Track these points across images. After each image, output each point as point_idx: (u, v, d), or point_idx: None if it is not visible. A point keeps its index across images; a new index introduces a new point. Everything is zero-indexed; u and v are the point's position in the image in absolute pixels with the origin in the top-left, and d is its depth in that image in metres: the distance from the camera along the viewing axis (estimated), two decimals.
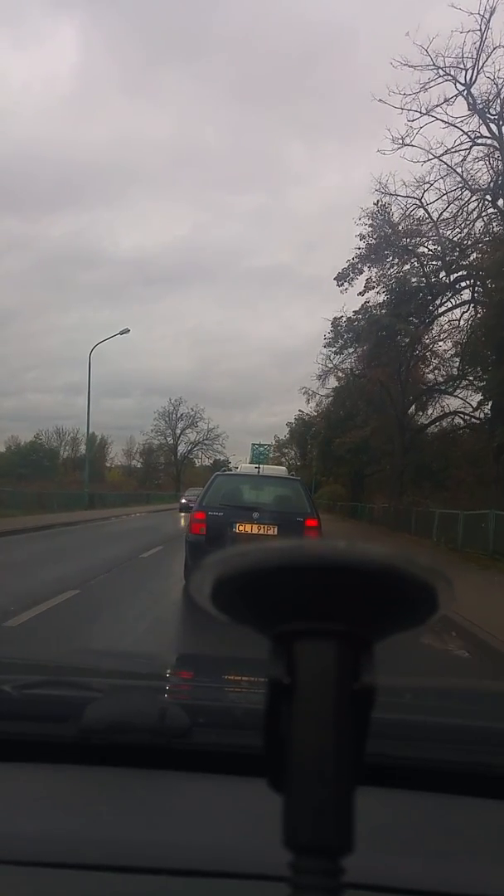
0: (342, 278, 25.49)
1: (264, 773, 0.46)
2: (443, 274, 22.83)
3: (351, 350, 28.11)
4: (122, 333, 33.49)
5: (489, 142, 22.05)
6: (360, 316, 25.20)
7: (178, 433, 75.15)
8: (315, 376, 40.87)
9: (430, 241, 23.25)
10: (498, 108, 21.01)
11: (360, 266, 24.94)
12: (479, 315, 22.29)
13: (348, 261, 24.91)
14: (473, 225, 23.16)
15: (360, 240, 24.16)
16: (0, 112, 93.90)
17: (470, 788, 0.98)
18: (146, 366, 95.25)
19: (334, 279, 25.41)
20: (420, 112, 21.47)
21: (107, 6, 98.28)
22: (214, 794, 0.97)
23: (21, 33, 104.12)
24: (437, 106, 21.31)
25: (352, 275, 25.39)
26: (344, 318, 26.97)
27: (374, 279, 24.67)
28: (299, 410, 48.55)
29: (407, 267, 23.89)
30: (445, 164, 22.36)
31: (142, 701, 1.09)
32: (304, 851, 0.42)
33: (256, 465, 12.34)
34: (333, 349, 28.31)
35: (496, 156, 21.74)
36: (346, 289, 25.42)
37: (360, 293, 25.22)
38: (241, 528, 8.50)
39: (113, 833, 0.87)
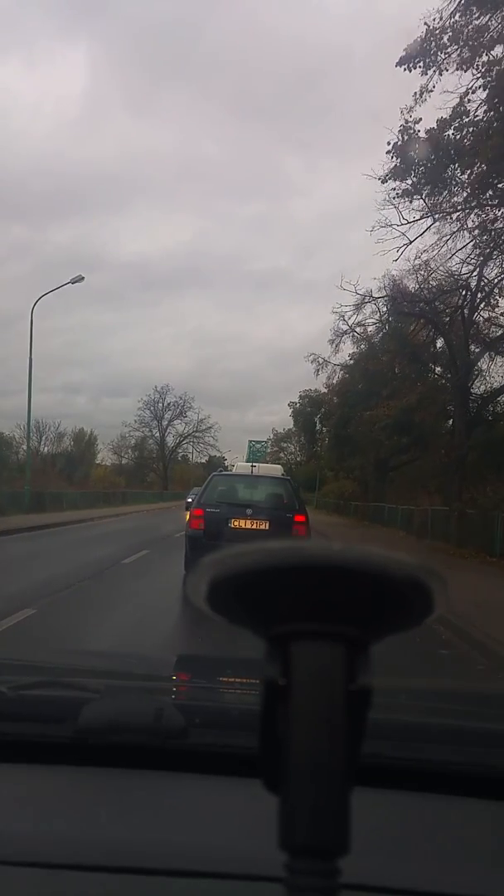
0: (412, 60, 13.89)
1: (260, 774, 0.46)
2: None
3: (426, 192, 16.01)
4: (73, 282, 27.99)
5: None
6: (456, 123, 13.82)
7: (164, 425, 66.75)
8: (327, 340, 32.04)
9: None
10: None
11: (449, 34, 13.11)
12: None
13: (417, 38, 13.65)
14: None
15: None
16: (13, 131, 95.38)
17: (466, 789, 0.98)
18: (146, 366, 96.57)
19: (397, 64, 14.13)
20: None
21: (112, 30, 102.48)
22: (210, 795, 0.97)
23: (33, 57, 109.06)
24: None
25: (431, 52, 13.46)
26: (419, 134, 14.82)
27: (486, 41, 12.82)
28: (299, 396, 39.25)
29: None
30: None
31: (138, 701, 1.10)
32: (299, 852, 0.42)
33: (252, 464, 12.91)
34: (397, 190, 16.27)
35: None
36: (428, 81, 13.98)
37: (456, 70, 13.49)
38: (236, 523, 9.13)
39: (109, 833, 0.87)
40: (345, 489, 45.26)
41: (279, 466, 14.70)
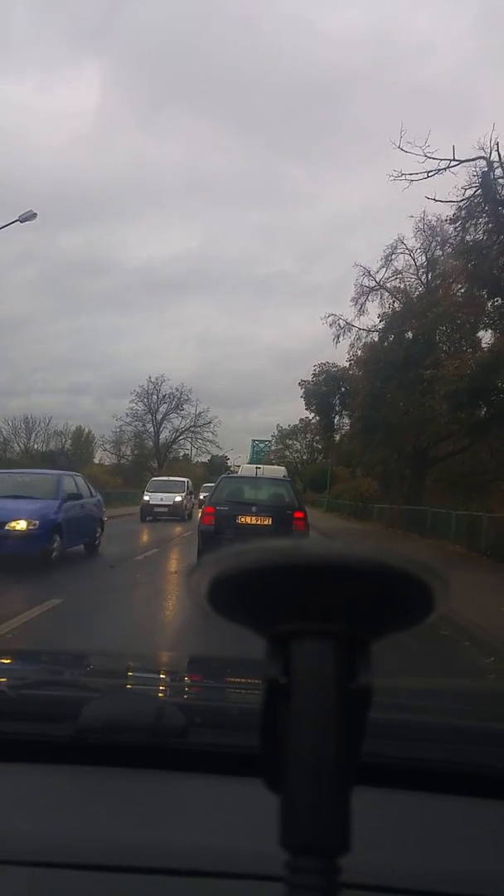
0: None
1: (261, 772, 0.46)
2: None
3: None
4: (23, 220, 22.38)
5: None
6: None
7: (159, 418, 60.13)
8: (350, 299, 25.57)
9: None
10: None
11: None
12: None
13: None
14: None
15: None
16: (29, 145, 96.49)
17: (467, 789, 0.97)
18: (152, 368, 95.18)
19: None
20: None
21: (122, 50, 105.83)
22: (211, 795, 0.97)
23: (48, 77, 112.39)
24: None
25: None
26: None
27: None
28: (313, 372, 28.94)
29: None
30: None
31: (139, 701, 1.10)
32: (300, 851, 0.42)
33: (257, 466, 14.47)
34: None
35: None
36: None
37: None
38: (243, 519, 10.36)
39: (110, 833, 0.87)
40: (362, 489, 38.73)
41: (282, 468, 15.63)
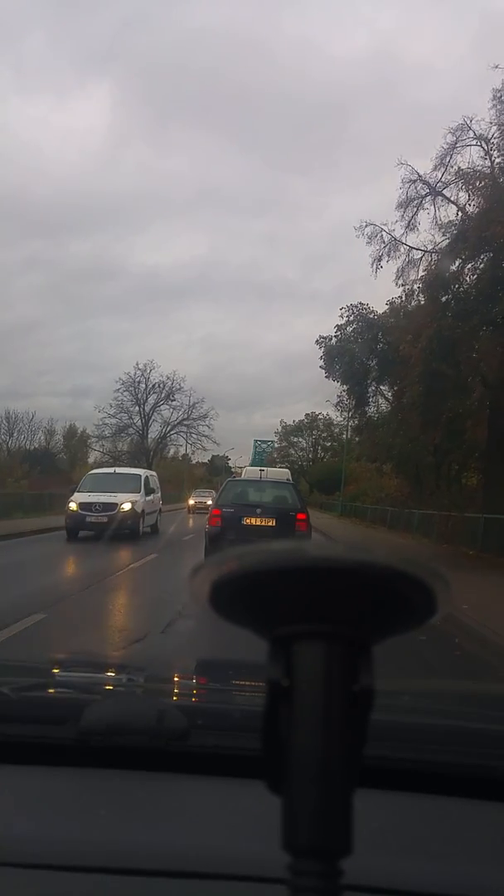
0: None
1: (263, 775, 0.46)
2: None
3: None
4: None
5: None
6: None
7: (148, 410, 51.98)
8: (396, 205, 18.00)
9: None
10: None
11: None
12: None
13: None
14: None
15: None
16: (44, 159, 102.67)
17: (469, 791, 0.97)
18: (156, 370, 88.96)
19: None
20: None
21: (132, 70, 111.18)
22: (213, 797, 0.97)
23: (62, 96, 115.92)
24: None
25: None
26: None
27: None
28: (338, 324, 19.92)
29: None
30: None
31: (140, 703, 1.12)
32: (302, 854, 0.42)
33: (261, 469, 15.05)
34: None
35: None
36: None
37: None
38: (248, 520, 10.90)
39: (111, 835, 0.87)
40: (388, 489, 30.94)
41: (286, 471, 16.59)
